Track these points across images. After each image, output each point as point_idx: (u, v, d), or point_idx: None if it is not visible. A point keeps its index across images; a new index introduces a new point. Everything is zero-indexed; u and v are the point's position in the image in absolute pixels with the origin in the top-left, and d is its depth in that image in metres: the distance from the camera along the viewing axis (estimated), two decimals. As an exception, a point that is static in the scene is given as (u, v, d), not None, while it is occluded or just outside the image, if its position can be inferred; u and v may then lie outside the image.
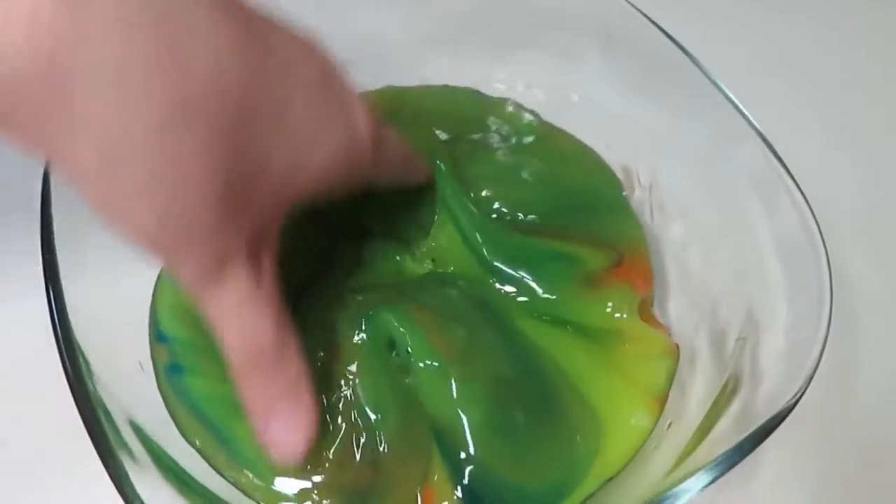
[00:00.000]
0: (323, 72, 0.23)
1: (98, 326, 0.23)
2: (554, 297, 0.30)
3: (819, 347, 0.24)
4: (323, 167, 0.23)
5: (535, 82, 0.36)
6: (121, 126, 0.17)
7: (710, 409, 0.26)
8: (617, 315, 0.29)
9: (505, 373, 0.27)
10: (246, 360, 0.23)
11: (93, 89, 0.17)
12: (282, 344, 0.23)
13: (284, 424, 0.23)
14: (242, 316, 0.22)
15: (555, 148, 0.35)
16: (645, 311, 0.30)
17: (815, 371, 0.23)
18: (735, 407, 0.25)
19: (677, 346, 0.29)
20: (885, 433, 0.32)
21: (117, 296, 0.26)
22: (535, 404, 0.27)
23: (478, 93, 0.36)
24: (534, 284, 0.30)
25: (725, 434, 0.23)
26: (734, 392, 0.26)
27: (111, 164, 0.18)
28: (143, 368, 0.26)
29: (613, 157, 0.35)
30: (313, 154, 0.22)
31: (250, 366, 0.23)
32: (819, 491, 0.30)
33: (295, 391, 0.23)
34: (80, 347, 0.22)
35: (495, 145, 0.35)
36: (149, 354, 0.27)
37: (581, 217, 0.32)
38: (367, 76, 0.35)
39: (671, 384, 0.28)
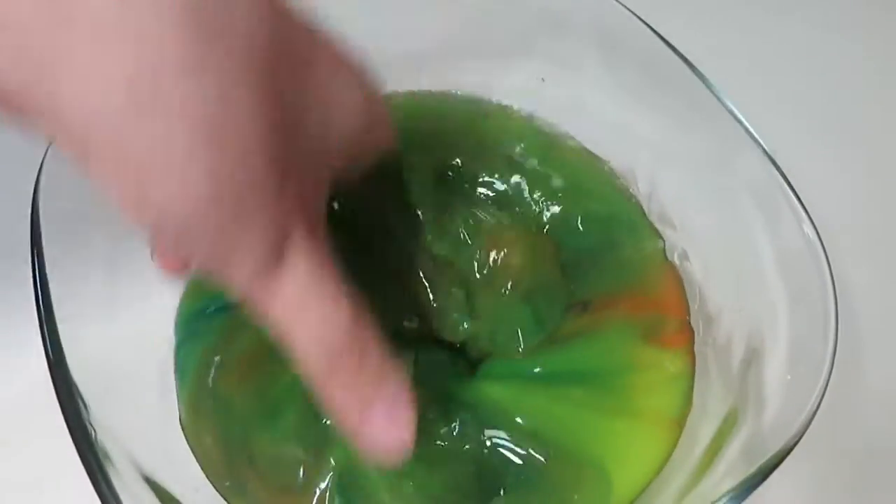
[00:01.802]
0: (330, 39, 0.21)
1: (95, 367, 0.23)
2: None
3: (827, 365, 0.24)
4: (349, 128, 0.21)
5: (533, 90, 0.35)
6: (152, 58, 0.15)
7: (716, 435, 0.25)
8: (618, 348, 0.28)
9: None
10: (325, 355, 0.19)
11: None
12: (360, 325, 0.19)
13: (385, 420, 0.20)
14: (313, 303, 0.19)
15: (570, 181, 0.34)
16: (656, 332, 0.29)
17: (824, 392, 0.23)
18: (743, 433, 0.24)
19: (693, 357, 0.28)
20: (892, 449, 0.32)
21: (114, 334, 0.26)
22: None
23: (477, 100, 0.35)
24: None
25: (733, 466, 0.23)
26: (740, 414, 0.25)
27: (142, 107, 0.15)
28: (142, 408, 0.26)
29: (612, 165, 0.35)
30: (339, 114, 0.20)
31: (333, 360, 0.19)
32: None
33: (385, 377, 0.20)
34: (79, 392, 0.21)
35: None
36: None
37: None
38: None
39: (689, 404, 0.27)
